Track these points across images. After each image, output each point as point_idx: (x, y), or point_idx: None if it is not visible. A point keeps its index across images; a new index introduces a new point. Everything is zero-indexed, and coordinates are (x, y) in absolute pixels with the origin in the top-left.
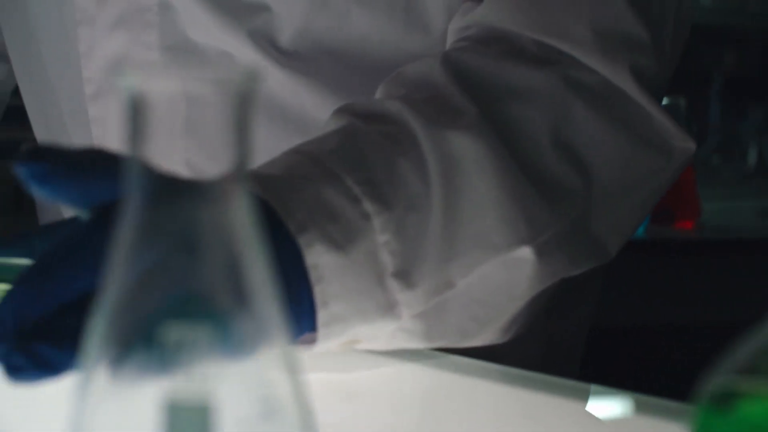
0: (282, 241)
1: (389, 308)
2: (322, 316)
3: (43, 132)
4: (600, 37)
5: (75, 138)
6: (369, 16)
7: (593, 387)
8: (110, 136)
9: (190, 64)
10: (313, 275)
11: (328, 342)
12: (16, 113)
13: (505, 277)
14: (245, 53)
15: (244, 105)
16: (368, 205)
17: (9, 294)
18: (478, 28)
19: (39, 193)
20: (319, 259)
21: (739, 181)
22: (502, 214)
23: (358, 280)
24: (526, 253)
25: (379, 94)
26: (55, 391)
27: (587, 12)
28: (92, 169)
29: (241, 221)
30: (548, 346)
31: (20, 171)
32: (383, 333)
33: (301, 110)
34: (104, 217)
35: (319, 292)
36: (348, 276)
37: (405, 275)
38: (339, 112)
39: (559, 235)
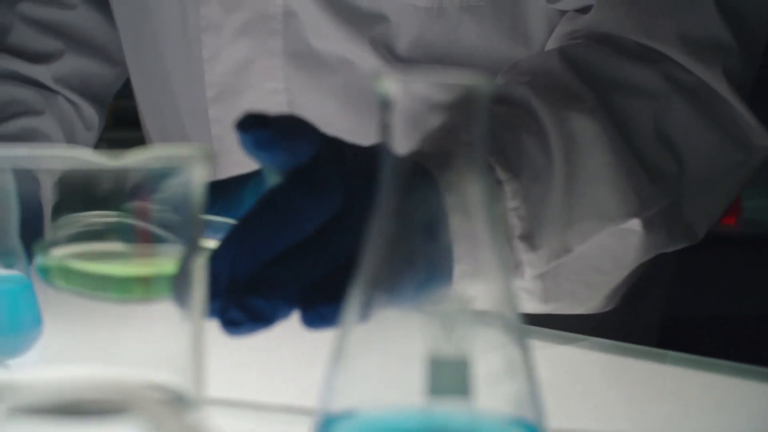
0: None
1: (514, 267)
2: (458, 274)
3: (158, 131)
4: (694, 42)
5: (193, 137)
6: (478, 28)
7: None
8: (229, 136)
9: (313, 69)
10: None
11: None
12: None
13: (615, 246)
14: (365, 60)
15: (474, 107)
16: (500, 173)
17: (221, 251)
18: (586, 32)
19: (257, 158)
20: (456, 221)
21: None
22: (615, 188)
23: None
24: (635, 224)
25: (501, 82)
26: None
27: (684, 20)
28: (298, 135)
29: (474, 202)
30: (626, 329)
31: (244, 138)
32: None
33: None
34: (302, 179)
35: (459, 251)
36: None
37: (530, 238)
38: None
39: (661, 212)
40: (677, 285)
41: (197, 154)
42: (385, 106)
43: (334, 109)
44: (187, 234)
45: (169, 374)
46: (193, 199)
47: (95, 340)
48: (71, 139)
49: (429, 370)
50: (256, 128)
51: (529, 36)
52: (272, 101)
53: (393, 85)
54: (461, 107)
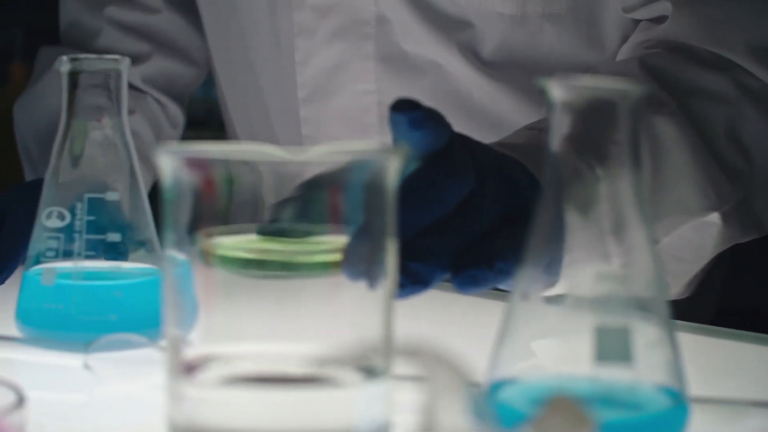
0: (537, 193)
1: (606, 259)
2: (566, 260)
3: (247, 130)
4: (762, 50)
5: (282, 137)
6: (557, 34)
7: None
8: (320, 135)
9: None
10: None
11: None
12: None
13: (696, 238)
14: (453, 63)
15: (625, 109)
16: (599, 171)
17: None
18: (661, 41)
19: (408, 138)
20: None
21: None
22: (696, 185)
23: None
24: (713, 218)
25: None
26: None
27: (752, 30)
28: (441, 120)
29: (626, 195)
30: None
31: (398, 119)
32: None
33: (498, 112)
34: (443, 161)
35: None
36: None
37: (619, 234)
38: None
39: (735, 207)
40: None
41: (392, 149)
42: (550, 107)
43: None
44: (380, 221)
45: (361, 348)
46: (387, 190)
47: (294, 318)
48: (159, 136)
49: (595, 337)
50: (412, 109)
51: (603, 42)
52: (363, 101)
53: (557, 87)
54: (614, 109)
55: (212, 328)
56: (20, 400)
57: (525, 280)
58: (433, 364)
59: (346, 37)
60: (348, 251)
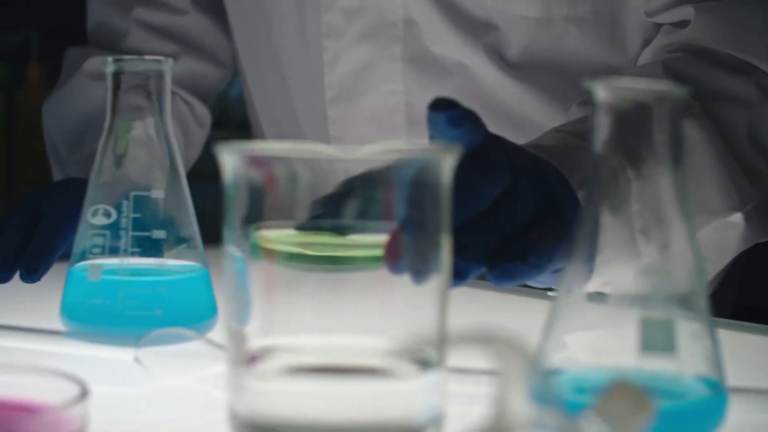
0: (568, 193)
1: (636, 257)
2: (599, 259)
3: (274, 130)
4: None
5: (309, 137)
6: (580, 36)
7: None
8: (347, 135)
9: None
10: None
11: (597, 281)
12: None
13: (719, 237)
14: (479, 64)
15: (676, 112)
16: (642, 169)
17: None
18: (684, 45)
19: (447, 137)
20: None
21: None
22: (720, 186)
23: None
24: (737, 218)
25: None
26: None
27: None
28: (478, 119)
29: (668, 192)
30: None
31: (437, 117)
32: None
33: (522, 112)
34: (479, 159)
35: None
36: (616, 226)
37: (648, 233)
38: (583, 103)
39: (757, 207)
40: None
41: (446, 148)
42: (597, 107)
43: None
44: (430, 218)
45: (417, 340)
46: (443, 187)
47: (350, 311)
48: (186, 136)
49: (640, 329)
50: (451, 108)
51: (624, 45)
52: (391, 102)
53: (601, 89)
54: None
55: (273, 321)
56: (84, 393)
57: (570, 275)
58: (506, 351)
59: (375, 38)
60: (389, 247)
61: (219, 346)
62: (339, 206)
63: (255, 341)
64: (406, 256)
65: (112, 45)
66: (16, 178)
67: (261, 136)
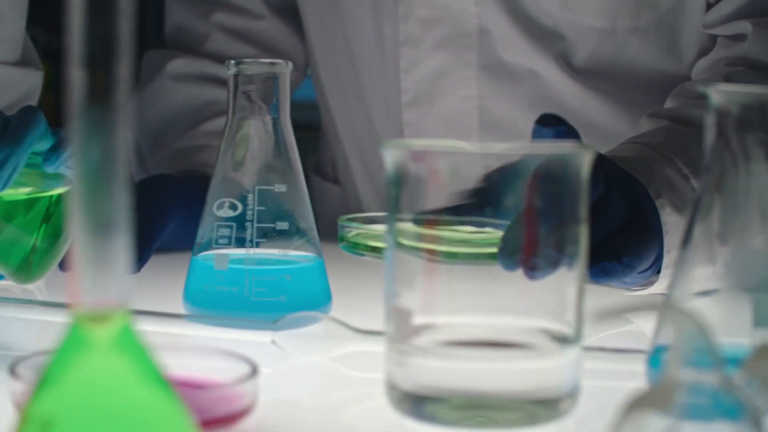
0: (649, 201)
1: (711, 259)
2: (665, 261)
3: (349, 132)
4: None
5: (384, 138)
6: (641, 46)
7: None
8: (422, 137)
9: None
10: (663, 229)
11: (664, 283)
12: None
13: None
14: (548, 71)
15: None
16: (694, 182)
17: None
18: (741, 59)
19: None
20: (668, 217)
21: None
22: None
23: None
24: None
25: (673, 102)
26: None
27: None
28: (578, 135)
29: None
30: None
31: (544, 132)
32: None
33: (588, 116)
34: None
35: (666, 242)
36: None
37: (722, 237)
38: (652, 115)
39: None
40: None
41: (585, 148)
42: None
43: (520, 113)
44: (574, 211)
45: (556, 321)
46: (581, 184)
47: (500, 293)
48: None
49: (754, 306)
50: (558, 124)
51: (681, 53)
52: (465, 106)
53: (715, 93)
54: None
55: (432, 302)
56: (254, 371)
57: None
58: (677, 317)
59: (450, 47)
60: (503, 242)
61: (349, 327)
62: (488, 197)
63: (417, 319)
64: (516, 251)
65: (193, 48)
66: None
67: (334, 138)
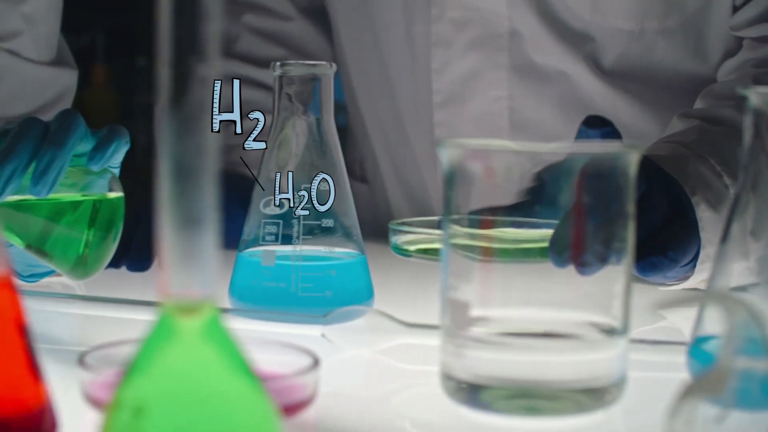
0: (682, 198)
1: (745, 255)
2: (701, 257)
3: (379, 132)
4: None
5: (414, 140)
6: (668, 47)
7: None
8: (452, 137)
9: (533, 80)
10: (699, 225)
11: (698, 278)
12: None
13: None
14: (577, 72)
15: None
16: (727, 179)
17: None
18: (767, 61)
19: None
20: (703, 213)
21: None
22: None
23: None
24: None
25: (702, 103)
26: None
27: None
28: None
29: None
30: None
31: (590, 134)
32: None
33: (616, 116)
34: None
35: (702, 238)
36: (718, 228)
37: (756, 233)
38: (684, 116)
39: None
40: None
41: (633, 146)
42: (747, 111)
43: (550, 114)
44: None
45: (604, 314)
46: (629, 182)
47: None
48: None
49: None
50: (604, 125)
51: (706, 55)
52: (496, 107)
53: (754, 95)
54: None
55: (488, 295)
56: (315, 362)
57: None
58: (733, 306)
59: (482, 48)
60: (553, 239)
61: (395, 320)
62: (541, 195)
63: (473, 311)
64: (566, 249)
65: (223, 49)
66: None
67: (363, 138)
